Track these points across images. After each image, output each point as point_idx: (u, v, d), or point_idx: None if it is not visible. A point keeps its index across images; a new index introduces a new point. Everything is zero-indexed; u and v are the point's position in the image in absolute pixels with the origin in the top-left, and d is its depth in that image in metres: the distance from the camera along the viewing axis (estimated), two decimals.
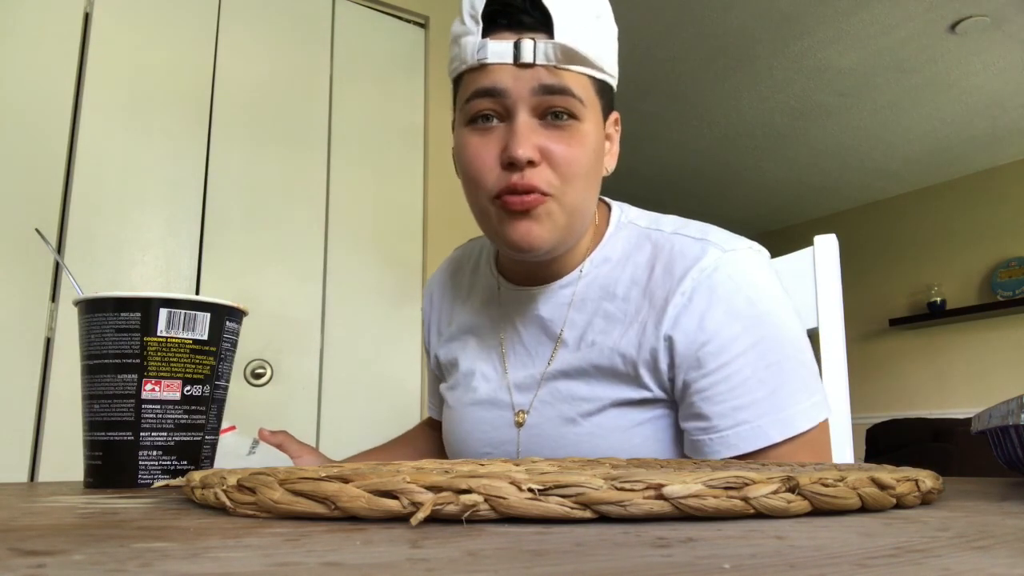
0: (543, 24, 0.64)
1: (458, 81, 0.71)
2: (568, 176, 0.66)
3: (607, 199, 0.80)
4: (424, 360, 1.91)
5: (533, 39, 0.64)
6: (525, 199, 0.65)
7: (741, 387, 0.66)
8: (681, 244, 0.71)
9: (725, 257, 0.69)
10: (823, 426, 0.69)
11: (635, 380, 0.70)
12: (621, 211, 0.79)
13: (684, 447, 0.70)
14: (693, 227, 0.74)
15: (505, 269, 0.80)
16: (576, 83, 0.66)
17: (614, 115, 0.74)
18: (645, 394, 0.70)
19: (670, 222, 0.76)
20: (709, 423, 0.67)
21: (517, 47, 0.64)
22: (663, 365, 0.68)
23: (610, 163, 0.75)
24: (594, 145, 0.69)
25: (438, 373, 0.91)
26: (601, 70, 0.68)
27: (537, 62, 0.64)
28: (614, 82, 0.72)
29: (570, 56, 0.65)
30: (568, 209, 0.68)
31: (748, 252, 0.71)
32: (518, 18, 0.65)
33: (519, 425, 0.76)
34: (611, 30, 0.70)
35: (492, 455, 0.78)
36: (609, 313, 0.72)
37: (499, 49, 0.65)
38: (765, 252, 0.74)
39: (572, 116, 0.66)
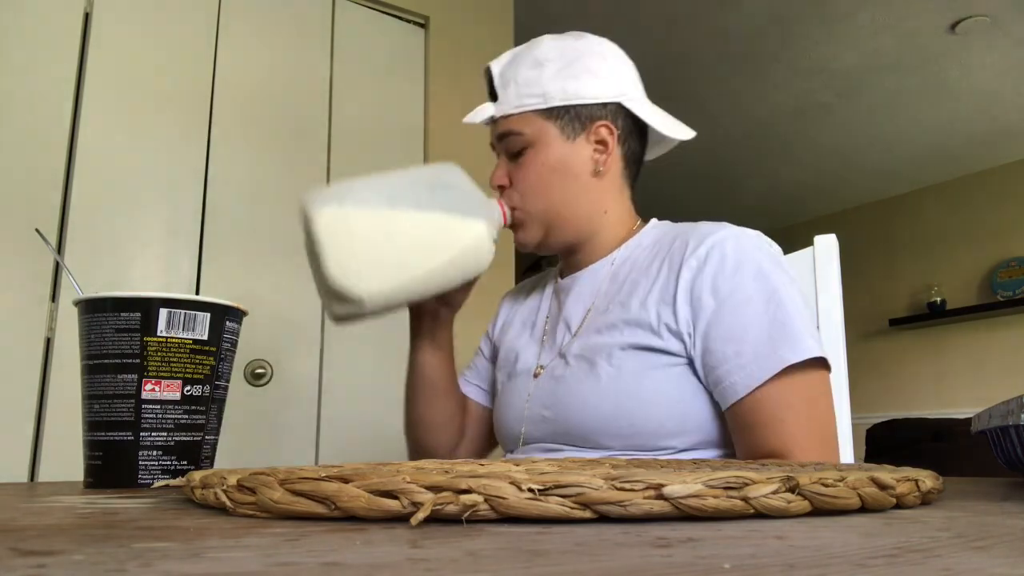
0: (494, 91, 0.90)
1: None
2: (525, 191, 0.88)
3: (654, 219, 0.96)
4: None
5: (490, 105, 0.90)
6: (506, 217, 0.87)
7: (754, 326, 0.75)
8: (701, 225, 0.85)
9: (739, 234, 0.81)
10: (825, 377, 0.77)
11: (655, 331, 0.79)
12: (657, 220, 0.95)
13: (715, 395, 0.77)
14: (715, 222, 0.87)
15: (561, 270, 0.98)
16: (518, 123, 0.87)
17: (599, 124, 0.88)
18: (661, 343, 0.79)
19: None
20: (732, 363, 0.75)
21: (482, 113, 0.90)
22: (681, 317, 0.78)
23: (604, 166, 0.89)
24: (549, 162, 0.87)
25: (491, 348, 1.05)
26: (543, 102, 0.86)
27: (493, 118, 0.90)
28: (577, 100, 0.87)
29: (504, 107, 0.88)
30: (536, 214, 0.88)
31: (759, 236, 0.83)
32: (490, 91, 0.91)
33: (535, 376, 0.88)
34: (563, 65, 0.87)
35: (522, 408, 0.88)
36: (636, 280, 0.84)
37: (479, 115, 0.91)
38: (776, 245, 0.85)
39: (524, 147, 0.87)
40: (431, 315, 0.91)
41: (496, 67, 0.90)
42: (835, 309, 0.91)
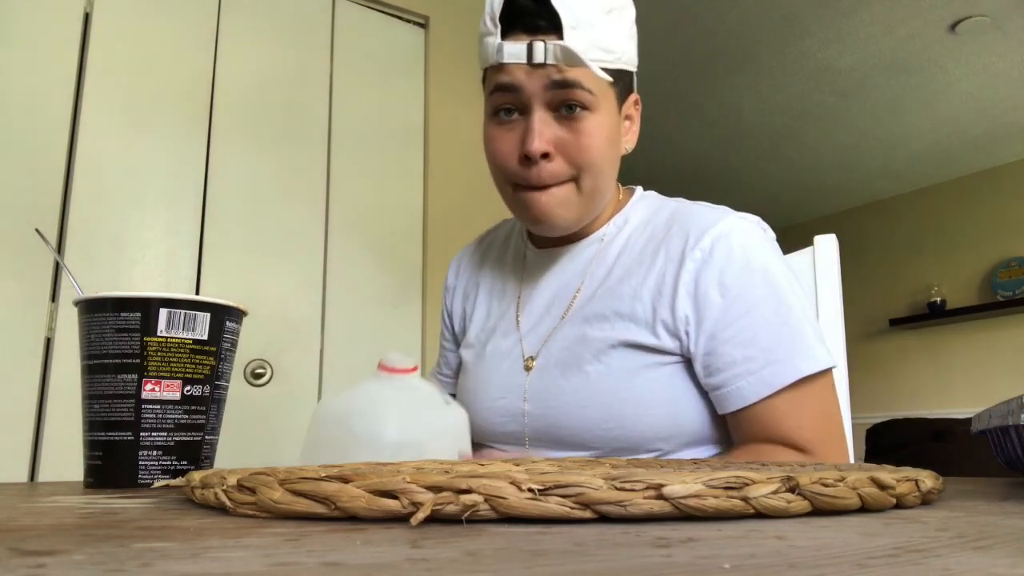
0: (553, 26, 0.69)
1: (485, 75, 0.77)
2: (582, 165, 0.73)
3: (633, 187, 0.88)
4: (425, 354, 1.91)
5: (544, 41, 0.69)
6: (544, 193, 0.74)
7: (766, 332, 0.71)
8: (699, 210, 0.78)
9: (741, 224, 0.75)
10: (832, 378, 0.74)
11: (650, 327, 0.74)
12: (643, 190, 0.87)
13: (716, 403, 0.73)
14: (710, 204, 0.81)
15: (534, 236, 0.87)
16: (586, 77, 0.71)
17: (633, 96, 0.80)
18: (655, 342, 0.73)
19: (689, 200, 0.83)
20: (741, 367, 0.70)
21: (530, 48, 0.70)
22: (680, 313, 0.72)
23: (629, 143, 0.81)
24: (608, 133, 0.74)
25: (452, 334, 0.96)
26: (612, 60, 0.73)
27: (548, 62, 0.70)
28: (632, 67, 0.77)
29: (577, 56, 0.69)
30: (586, 193, 0.75)
31: (759, 222, 0.79)
32: (531, 21, 0.70)
33: (527, 369, 0.80)
34: (625, 20, 0.75)
35: (504, 401, 0.81)
36: (628, 265, 0.78)
37: (514, 50, 0.70)
38: (771, 232, 0.81)
39: (584, 107, 0.72)
40: None
41: None
42: (835, 309, 0.91)
